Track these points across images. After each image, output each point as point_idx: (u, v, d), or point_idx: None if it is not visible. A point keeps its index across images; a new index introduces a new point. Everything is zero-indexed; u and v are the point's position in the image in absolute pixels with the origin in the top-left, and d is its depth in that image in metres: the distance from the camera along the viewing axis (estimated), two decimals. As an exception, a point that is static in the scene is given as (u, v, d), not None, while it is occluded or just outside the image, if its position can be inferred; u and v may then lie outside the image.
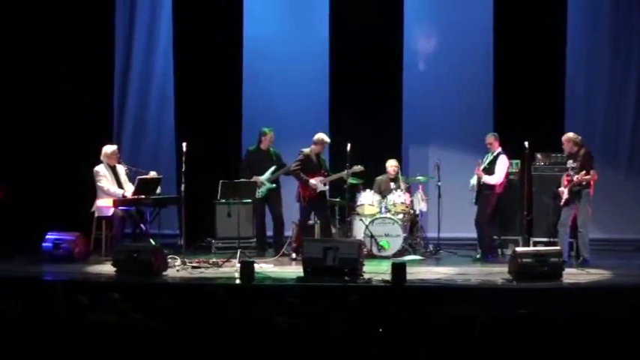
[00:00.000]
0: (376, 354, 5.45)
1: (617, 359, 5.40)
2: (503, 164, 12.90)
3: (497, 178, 12.83)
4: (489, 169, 12.88)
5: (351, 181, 13.19)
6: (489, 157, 12.98)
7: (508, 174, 13.14)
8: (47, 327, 5.84)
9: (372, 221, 13.19)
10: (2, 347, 5.69)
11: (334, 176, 13.21)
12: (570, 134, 12.45)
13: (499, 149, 12.99)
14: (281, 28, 15.66)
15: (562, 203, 12.20)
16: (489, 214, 12.97)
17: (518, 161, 13.41)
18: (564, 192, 12.11)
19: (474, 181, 13.00)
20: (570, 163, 12.23)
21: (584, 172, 11.89)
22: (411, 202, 13.83)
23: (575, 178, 11.95)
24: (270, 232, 13.70)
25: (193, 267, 11.80)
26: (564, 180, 12.22)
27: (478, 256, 13.07)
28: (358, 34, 15.04)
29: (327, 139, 13.25)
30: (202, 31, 15.19)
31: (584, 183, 11.93)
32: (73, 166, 13.88)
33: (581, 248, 12.21)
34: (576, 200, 12.05)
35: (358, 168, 13.09)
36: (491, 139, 13.07)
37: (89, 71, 14.77)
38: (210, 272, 11.56)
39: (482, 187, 12.89)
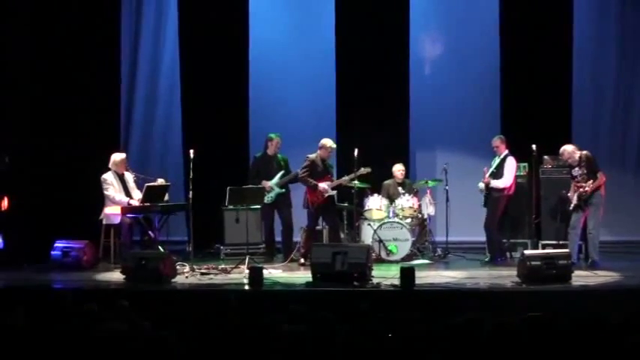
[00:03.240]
0: None
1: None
2: (511, 166, 12.91)
3: (505, 181, 12.84)
4: (497, 173, 12.90)
5: (358, 185, 13.19)
6: (497, 161, 12.99)
7: (516, 177, 13.14)
8: (57, 335, 5.84)
9: (381, 226, 13.21)
10: (12, 356, 5.69)
11: (341, 180, 13.16)
12: (565, 147, 12.37)
13: (506, 152, 12.99)
14: (287, 34, 15.69)
15: (571, 208, 12.18)
16: (499, 217, 12.97)
17: (526, 164, 13.40)
18: (573, 197, 12.10)
19: (482, 184, 13.00)
20: (576, 171, 12.18)
21: (590, 181, 11.88)
22: (419, 206, 13.83)
23: (586, 189, 11.91)
24: (278, 238, 13.68)
25: (202, 273, 11.80)
26: (573, 186, 12.19)
27: (487, 259, 13.08)
28: (364, 38, 15.05)
29: (333, 144, 13.21)
30: (208, 38, 15.23)
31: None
32: (81, 173, 13.89)
33: (590, 250, 12.19)
34: (587, 205, 12.03)
35: (365, 170, 13.05)
36: (497, 142, 13.08)
37: (96, 79, 14.79)
38: (219, 278, 11.55)
39: (491, 189, 12.89)
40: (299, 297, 10.08)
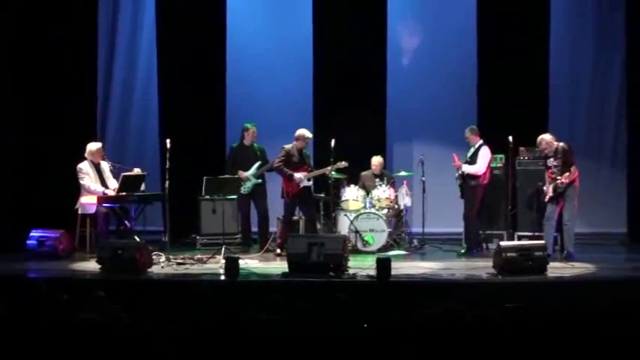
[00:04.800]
0: (362, 351, 5.44)
1: (602, 353, 5.42)
2: (484, 155, 12.90)
3: (477, 168, 12.82)
4: (471, 162, 12.91)
5: (335, 175, 13.18)
6: (472, 150, 13.00)
7: (492, 168, 13.17)
8: (33, 326, 5.80)
9: (357, 217, 13.20)
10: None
11: (317, 172, 13.17)
12: (543, 136, 12.37)
13: (480, 141, 13.00)
14: (264, 25, 15.69)
15: (546, 200, 12.21)
16: (477, 207, 12.99)
17: (502, 156, 13.43)
18: (549, 189, 12.12)
19: (459, 172, 13.00)
20: (551, 161, 12.19)
21: (567, 173, 11.87)
22: (396, 197, 13.84)
23: (558, 181, 11.91)
24: (255, 228, 13.67)
25: (178, 263, 11.79)
26: (548, 177, 12.22)
27: (463, 250, 13.11)
28: (342, 29, 15.04)
29: (309, 135, 13.18)
30: (186, 28, 15.17)
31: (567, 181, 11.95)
32: (57, 163, 13.82)
33: (566, 241, 12.19)
34: (562, 197, 12.06)
35: (342, 164, 13.05)
36: (468, 133, 13.08)
37: (72, 68, 14.71)
38: (194, 269, 11.54)
39: (466, 180, 12.91)
40: (275, 287, 10.07)
